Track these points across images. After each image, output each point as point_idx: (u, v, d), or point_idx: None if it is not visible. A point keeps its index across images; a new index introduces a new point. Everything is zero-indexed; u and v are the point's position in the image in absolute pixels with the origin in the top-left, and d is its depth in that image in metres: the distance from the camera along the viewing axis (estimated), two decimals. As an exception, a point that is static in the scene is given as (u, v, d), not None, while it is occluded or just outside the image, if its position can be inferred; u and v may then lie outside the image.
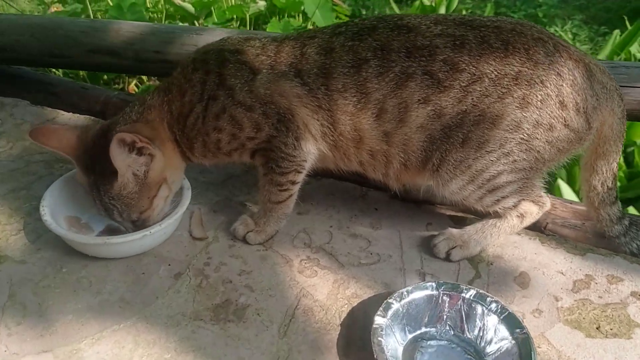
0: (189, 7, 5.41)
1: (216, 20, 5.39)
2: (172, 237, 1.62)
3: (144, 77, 4.58)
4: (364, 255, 1.61)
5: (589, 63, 1.45)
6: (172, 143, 1.57)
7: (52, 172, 1.89)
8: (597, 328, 1.39)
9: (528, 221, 1.60)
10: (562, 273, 1.57)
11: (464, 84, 1.39)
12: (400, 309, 1.35)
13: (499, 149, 1.42)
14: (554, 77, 1.38)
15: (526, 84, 1.37)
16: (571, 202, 1.91)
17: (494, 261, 1.60)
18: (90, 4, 4.58)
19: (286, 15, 6.07)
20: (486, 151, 1.43)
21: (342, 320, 1.40)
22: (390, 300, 1.35)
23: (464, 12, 9.22)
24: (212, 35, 2.18)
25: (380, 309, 1.32)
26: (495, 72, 1.38)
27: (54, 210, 1.57)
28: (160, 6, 5.82)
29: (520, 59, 1.38)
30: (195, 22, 5.57)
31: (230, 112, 1.49)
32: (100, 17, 5.03)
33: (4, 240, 1.60)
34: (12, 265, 1.52)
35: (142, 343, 1.31)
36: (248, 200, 1.81)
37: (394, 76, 1.41)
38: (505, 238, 1.64)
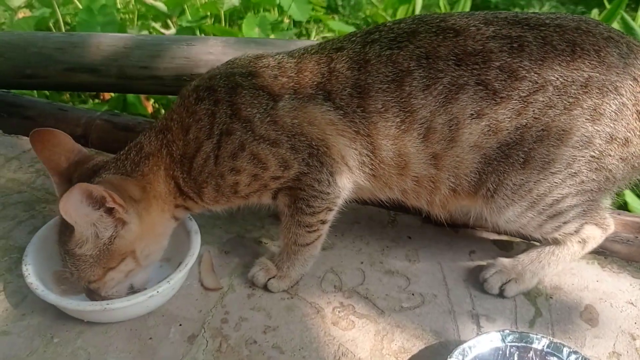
0: (161, 6, 5.24)
1: (190, 18, 5.23)
2: (180, 290, 1.39)
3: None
4: (405, 297, 1.39)
5: None
6: (165, 199, 1.32)
7: (33, 215, 1.63)
8: (687, 371, 1.20)
9: (590, 247, 1.40)
10: (632, 304, 1.39)
11: (524, 94, 1.17)
12: (464, 368, 1.14)
13: (566, 169, 1.21)
14: (630, 82, 1.17)
15: (598, 92, 1.16)
16: (619, 212, 1.71)
17: (553, 294, 1.41)
18: (59, 8, 4.37)
19: (262, 10, 5.90)
20: (551, 172, 1.21)
21: (393, 383, 1.19)
22: (451, 360, 1.14)
23: (443, -4, 9.07)
24: (206, 45, 1.93)
25: (442, 372, 1.11)
26: (561, 79, 1.16)
27: (39, 267, 1.32)
28: (131, 6, 5.63)
29: (590, 63, 1.16)
30: (168, 21, 5.38)
31: (251, 149, 1.25)
32: (70, 20, 4.80)
33: (-18, 306, 1.35)
34: (-7, 338, 1.27)
35: None
36: (263, 237, 1.58)
37: (443, 89, 1.19)
38: (564, 265, 1.43)
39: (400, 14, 8.84)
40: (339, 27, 6.55)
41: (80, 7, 4.56)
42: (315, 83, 1.24)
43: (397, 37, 1.24)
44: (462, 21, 1.22)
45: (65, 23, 4.55)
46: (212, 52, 1.90)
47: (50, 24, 4.43)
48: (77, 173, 1.28)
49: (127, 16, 5.55)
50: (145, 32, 5.01)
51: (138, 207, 1.26)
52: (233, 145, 1.25)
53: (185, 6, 5.35)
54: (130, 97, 4.23)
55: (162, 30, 5.20)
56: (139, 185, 1.28)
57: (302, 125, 1.23)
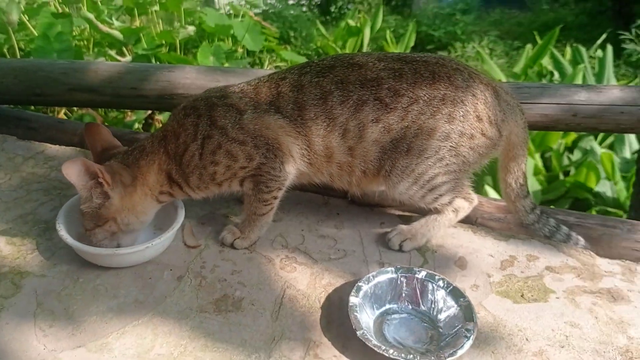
0: (117, 34, 5.38)
1: (145, 46, 5.47)
2: (169, 248, 1.89)
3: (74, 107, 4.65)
4: (333, 252, 1.93)
5: (495, 86, 1.86)
6: (152, 187, 1.81)
7: (52, 198, 2.12)
8: (521, 296, 1.75)
9: (461, 215, 1.97)
10: (491, 255, 1.93)
11: (404, 106, 1.75)
12: (369, 290, 1.68)
13: (434, 155, 1.78)
14: (471, 97, 1.77)
15: (451, 103, 1.75)
16: (495, 199, 2.31)
17: (438, 250, 1.96)
18: (13, 34, 4.55)
19: (216, 39, 6.28)
20: (425, 157, 1.78)
21: (321, 304, 1.71)
22: (360, 284, 1.68)
23: (387, 32, 9.85)
24: (183, 71, 2.46)
25: (353, 290, 1.65)
26: (427, 95, 1.74)
27: (67, 227, 1.80)
28: (87, 34, 5.86)
29: (444, 85, 1.75)
30: (124, 49, 5.69)
31: (226, 147, 1.77)
32: (24, 46, 4.92)
33: (22, 259, 1.83)
34: (34, 279, 1.75)
35: (160, 334, 1.58)
36: (229, 213, 2.11)
37: (353, 103, 1.75)
38: (445, 231, 2.00)
39: (350, 45, 9.53)
40: (291, 57, 7.08)
41: (35, 33, 4.71)
42: (268, 101, 1.79)
43: (322, 70, 1.80)
44: (363, 59, 1.80)
45: (20, 49, 4.71)
46: (188, 77, 2.43)
47: (5, 50, 4.59)
48: (104, 156, 1.80)
49: (82, 43, 5.81)
50: (101, 59, 5.28)
51: (124, 190, 1.76)
52: (213, 145, 1.77)
53: (141, 34, 5.61)
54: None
55: (118, 58, 5.52)
56: (131, 175, 1.78)
57: (261, 129, 1.77)
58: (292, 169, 1.85)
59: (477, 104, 1.76)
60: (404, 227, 1.97)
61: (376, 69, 1.77)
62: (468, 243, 2.00)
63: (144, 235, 1.91)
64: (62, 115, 4.52)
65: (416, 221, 1.99)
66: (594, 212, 5.53)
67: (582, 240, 2.01)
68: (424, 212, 2.00)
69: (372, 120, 1.76)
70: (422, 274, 1.73)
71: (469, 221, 2.11)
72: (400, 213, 2.15)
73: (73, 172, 1.67)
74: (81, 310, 1.65)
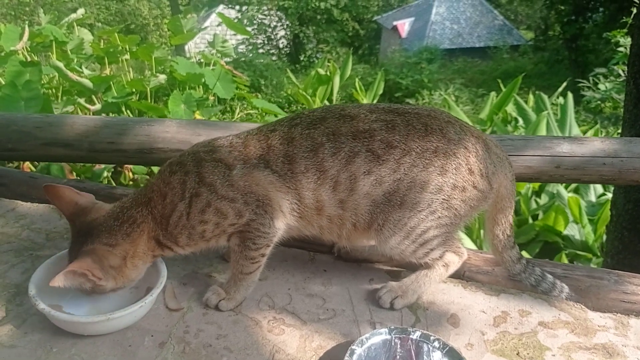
0: (87, 82, 5.33)
1: (116, 94, 5.42)
2: (150, 312, 1.79)
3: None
4: (322, 312, 1.86)
5: (486, 139, 1.86)
6: (142, 256, 1.75)
7: (23, 260, 2.01)
8: (517, 354, 1.71)
9: (452, 269, 1.94)
10: (484, 312, 1.90)
11: (397, 158, 1.72)
12: (362, 353, 1.61)
13: (427, 208, 1.75)
14: (463, 150, 1.76)
15: (443, 156, 1.74)
16: (482, 251, 2.28)
17: (429, 307, 1.91)
18: None
19: (187, 88, 6.28)
20: (418, 210, 1.75)
21: (313, 369, 1.64)
22: (353, 347, 1.61)
23: (356, 80, 10.02)
24: (163, 125, 2.40)
25: (347, 354, 1.58)
26: (420, 148, 1.73)
27: (40, 293, 1.69)
28: (55, 82, 5.79)
29: (437, 137, 1.74)
30: (94, 97, 5.63)
31: (216, 205, 1.71)
32: None
33: (-10, 327, 1.71)
34: (2, 350, 1.62)
35: (143, 408, 1.48)
36: (212, 272, 2.03)
37: (344, 155, 1.72)
38: (435, 287, 1.96)
39: (320, 93, 9.66)
40: (262, 104, 7.10)
41: (2, 82, 4.70)
42: (258, 155, 1.75)
43: (312, 121, 1.78)
44: (355, 110, 1.79)
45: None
46: (168, 131, 2.37)
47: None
48: (78, 223, 1.71)
49: (51, 91, 5.74)
50: (70, 107, 5.24)
51: (115, 271, 1.69)
52: (202, 204, 1.71)
53: (112, 83, 5.57)
54: (54, 169, 4.48)
55: (87, 106, 5.45)
56: (120, 256, 1.70)
57: (251, 185, 1.72)
58: (282, 225, 1.80)
59: (469, 156, 1.75)
60: (394, 283, 1.92)
61: (368, 121, 1.75)
62: (459, 299, 1.96)
63: (122, 297, 1.81)
64: (27, 165, 4.40)
65: (406, 277, 1.94)
66: (564, 256, 5.60)
67: (566, 288, 1.98)
68: (413, 267, 1.96)
69: (364, 172, 1.73)
70: (416, 335, 1.67)
71: (457, 275, 2.06)
72: (389, 268, 2.10)
73: (65, 282, 1.60)
74: (56, 383, 1.53)
